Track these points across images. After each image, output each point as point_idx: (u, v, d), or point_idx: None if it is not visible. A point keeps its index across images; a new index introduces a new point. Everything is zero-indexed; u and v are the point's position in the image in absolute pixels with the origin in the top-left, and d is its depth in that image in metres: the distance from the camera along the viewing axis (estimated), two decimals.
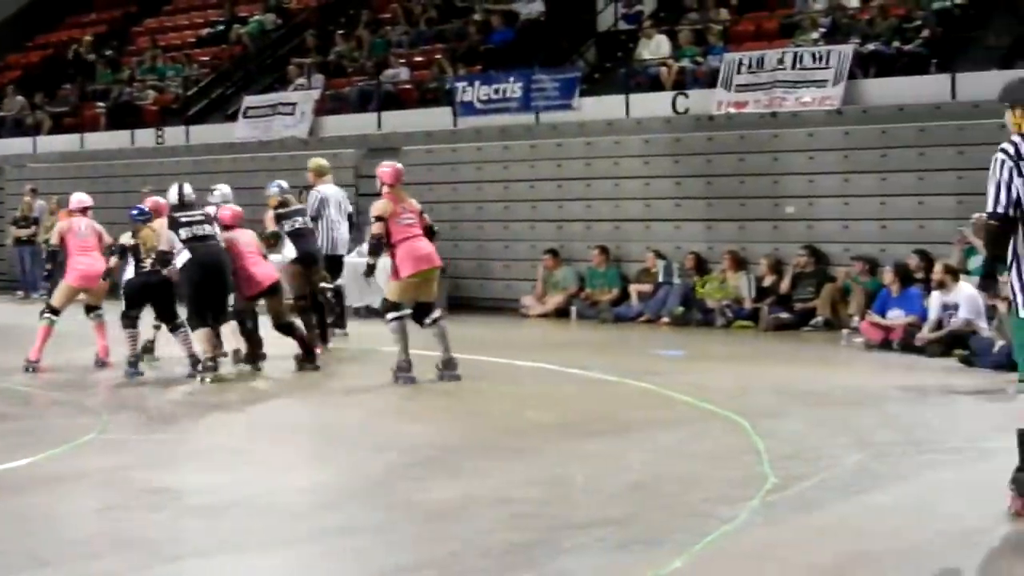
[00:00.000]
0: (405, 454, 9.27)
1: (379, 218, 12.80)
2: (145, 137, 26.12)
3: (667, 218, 19.18)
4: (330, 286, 15.74)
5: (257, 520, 7.58)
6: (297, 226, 15.25)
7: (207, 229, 13.54)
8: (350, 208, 16.66)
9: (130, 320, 13.65)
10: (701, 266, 18.39)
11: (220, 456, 9.66)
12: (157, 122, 26.21)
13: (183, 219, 13.48)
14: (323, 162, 16.79)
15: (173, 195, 13.83)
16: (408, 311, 12.84)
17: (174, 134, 25.71)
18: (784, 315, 17.14)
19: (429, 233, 12.99)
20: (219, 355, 13.38)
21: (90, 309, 14.54)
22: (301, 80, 24.66)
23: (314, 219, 15.82)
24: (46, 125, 28.46)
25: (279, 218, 15.32)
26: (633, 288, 18.91)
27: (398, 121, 22.48)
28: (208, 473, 8.95)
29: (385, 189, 13.00)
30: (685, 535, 6.92)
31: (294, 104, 23.93)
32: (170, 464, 9.29)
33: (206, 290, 13.30)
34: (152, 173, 24.73)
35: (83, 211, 14.84)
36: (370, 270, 13.01)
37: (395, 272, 12.78)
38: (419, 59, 24.28)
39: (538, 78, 20.97)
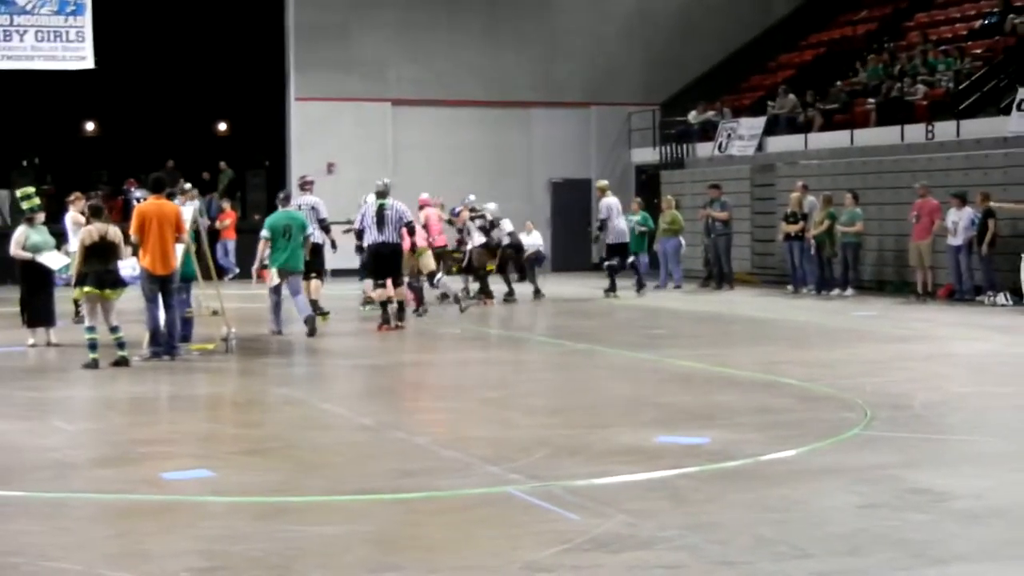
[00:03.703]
0: None
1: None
2: (914, 133, 25.95)
3: None
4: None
5: (1021, 529, 7.34)
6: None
7: None
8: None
9: None
10: None
11: (985, 460, 9.44)
12: (927, 117, 25.98)
13: None
14: (604, 182, 25.48)
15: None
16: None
17: (944, 129, 25.35)
18: None
19: None
20: None
21: None
22: None
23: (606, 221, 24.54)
24: (817, 122, 29.03)
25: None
26: None
27: None
28: (972, 477, 8.77)
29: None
30: None
31: None
32: (934, 465, 9.21)
33: None
34: (921, 169, 24.61)
35: None
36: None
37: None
38: None
39: None
